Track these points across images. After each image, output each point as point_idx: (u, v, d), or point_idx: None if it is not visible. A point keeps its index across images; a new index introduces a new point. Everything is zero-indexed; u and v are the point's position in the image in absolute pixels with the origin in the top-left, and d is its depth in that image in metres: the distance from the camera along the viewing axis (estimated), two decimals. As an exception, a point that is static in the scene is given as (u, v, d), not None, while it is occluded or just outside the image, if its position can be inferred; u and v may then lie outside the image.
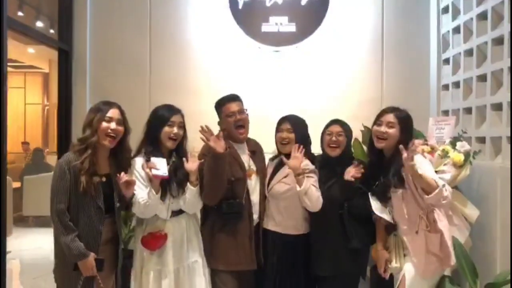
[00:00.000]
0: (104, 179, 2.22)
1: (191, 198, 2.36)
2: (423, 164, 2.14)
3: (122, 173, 2.19)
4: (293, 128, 2.56)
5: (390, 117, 2.27)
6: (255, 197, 2.57)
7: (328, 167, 2.52)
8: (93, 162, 2.15)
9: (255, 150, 2.67)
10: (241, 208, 2.46)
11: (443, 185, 2.03)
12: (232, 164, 2.51)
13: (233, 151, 2.54)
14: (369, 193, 2.32)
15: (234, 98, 2.59)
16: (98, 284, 2.16)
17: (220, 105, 2.60)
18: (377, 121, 2.32)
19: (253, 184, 2.58)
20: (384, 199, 2.27)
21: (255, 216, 2.57)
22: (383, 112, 2.33)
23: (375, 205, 2.28)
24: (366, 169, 2.37)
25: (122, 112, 2.29)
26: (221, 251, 2.47)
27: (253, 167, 2.61)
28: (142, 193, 2.26)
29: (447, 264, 2.19)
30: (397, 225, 2.29)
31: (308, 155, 2.56)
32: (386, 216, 2.27)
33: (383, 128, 2.26)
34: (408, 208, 2.21)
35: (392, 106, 2.35)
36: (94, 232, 2.17)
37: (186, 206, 2.40)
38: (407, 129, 2.29)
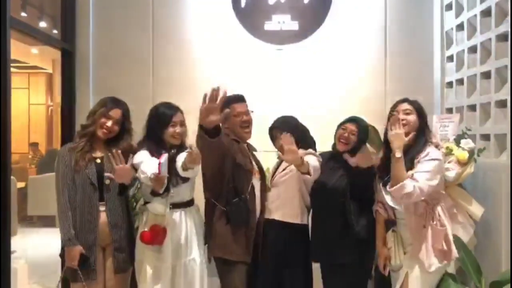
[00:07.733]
0: (98, 160, 2.39)
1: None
2: (425, 162, 2.14)
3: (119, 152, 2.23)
4: (283, 129, 2.51)
5: (405, 105, 2.30)
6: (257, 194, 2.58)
7: (334, 159, 2.55)
8: (89, 145, 2.37)
9: (252, 151, 2.69)
10: (247, 207, 2.44)
11: (413, 185, 2.04)
12: (245, 156, 2.54)
13: (242, 147, 2.56)
14: (381, 185, 2.30)
15: (241, 99, 2.61)
16: (79, 278, 2.20)
17: (227, 104, 2.58)
18: (393, 112, 2.32)
19: (256, 182, 2.59)
20: None
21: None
22: (397, 103, 2.34)
23: (388, 197, 2.26)
24: (380, 164, 2.37)
25: (125, 114, 2.41)
26: (219, 239, 2.44)
27: (256, 167, 2.64)
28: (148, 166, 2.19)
29: (449, 258, 2.20)
30: (405, 219, 2.25)
31: (306, 142, 2.57)
32: (398, 207, 2.25)
33: (401, 115, 2.26)
34: (417, 202, 2.19)
35: (403, 98, 2.37)
36: (90, 208, 2.32)
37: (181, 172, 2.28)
38: (424, 116, 2.30)
